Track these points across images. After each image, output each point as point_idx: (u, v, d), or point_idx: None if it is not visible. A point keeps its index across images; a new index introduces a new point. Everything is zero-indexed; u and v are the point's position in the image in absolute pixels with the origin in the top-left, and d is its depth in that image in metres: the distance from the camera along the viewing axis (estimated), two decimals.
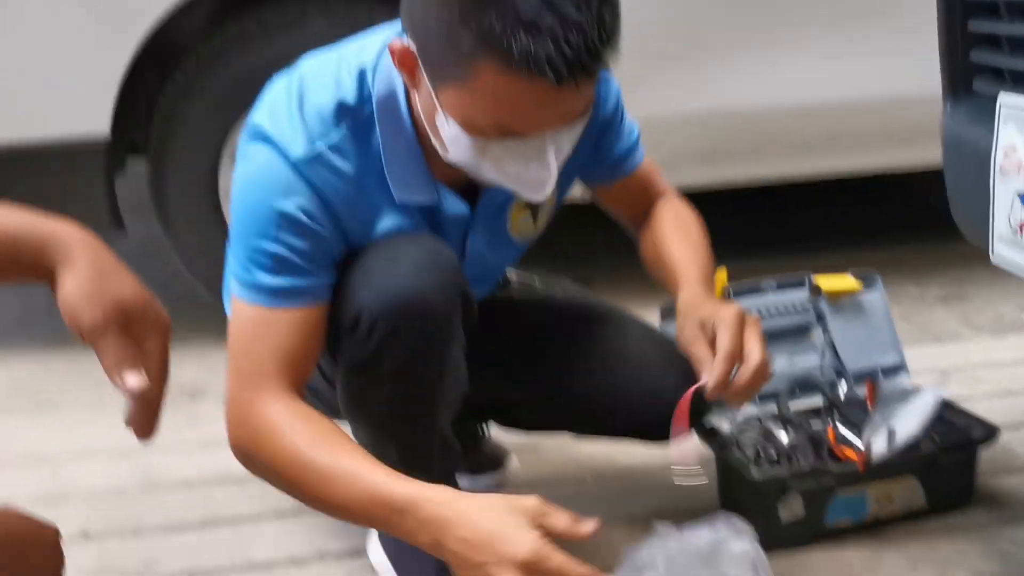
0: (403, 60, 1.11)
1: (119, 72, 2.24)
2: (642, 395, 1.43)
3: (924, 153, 2.21)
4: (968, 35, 1.19)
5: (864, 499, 1.48)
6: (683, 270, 1.36)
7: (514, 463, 1.74)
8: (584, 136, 1.22)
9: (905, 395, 1.55)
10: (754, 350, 1.19)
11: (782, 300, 1.74)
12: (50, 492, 1.74)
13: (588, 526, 1.04)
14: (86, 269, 0.94)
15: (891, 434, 1.46)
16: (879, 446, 1.45)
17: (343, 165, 1.17)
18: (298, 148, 1.15)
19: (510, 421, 1.61)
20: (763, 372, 1.20)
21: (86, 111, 2.26)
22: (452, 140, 1.11)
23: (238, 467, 1.80)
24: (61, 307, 0.93)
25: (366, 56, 1.20)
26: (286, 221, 1.14)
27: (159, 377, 0.97)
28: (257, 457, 1.14)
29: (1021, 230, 1.01)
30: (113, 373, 0.92)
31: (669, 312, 1.70)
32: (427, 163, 1.21)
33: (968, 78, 1.22)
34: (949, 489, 1.54)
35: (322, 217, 1.16)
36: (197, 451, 1.89)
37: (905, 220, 3.20)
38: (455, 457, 1.35)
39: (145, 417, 0.97)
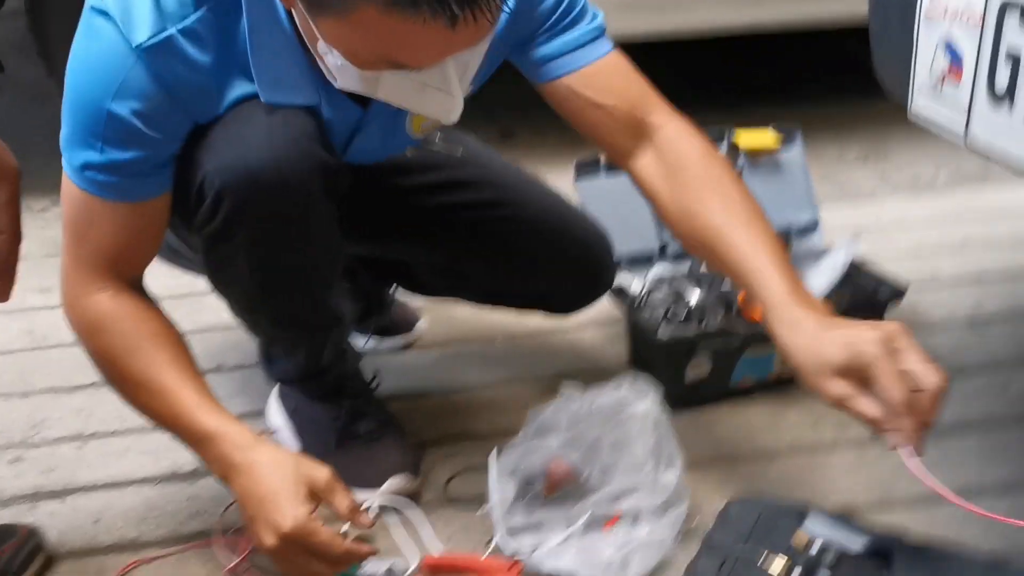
0: None
1: None
2: (536, 266, 1.39)
3: (848, 6, 2.14)
4: None
5: (770, 359, 1.47)
6: (766, 273, 1.05)
7: (423, 325, 1.70)
8: (506, 35, 1.11)
9: (817, 254, 1.54)
10: (927, 375, 0.93)
11: None
12: None
13: (366, 518, 1.07)
14: None
15: None
16: None
17: (197, 54, 1.01)
18: (144, 31, 0.98)
19: (412, 285, 1.56)
20: (942, 393, 0.95)
21: None
22: (338, 70, 0.99)
23: None
24: None
25: None
26: (118, 126, 1.01)
27: (7, 230, 0.88)
28: (84, 342, 1.13)
29: (942, 81, 0.96)
30: None
31: (583, 168, 1.65)
32: (309, 62, 1.06)
33: None
34: None
35: (161, 118, 1.02)
36: None
37: (828, 79, 3.15)
38: (339, 320, 1.29)
39: None
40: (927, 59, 0.98)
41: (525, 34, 1.18)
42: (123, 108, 1.00)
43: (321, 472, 1.05)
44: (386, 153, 1.30)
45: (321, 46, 0.97)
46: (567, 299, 1.47)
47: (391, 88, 0.99)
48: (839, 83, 3.05)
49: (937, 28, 0.96)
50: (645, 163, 1.19)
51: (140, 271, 1.15)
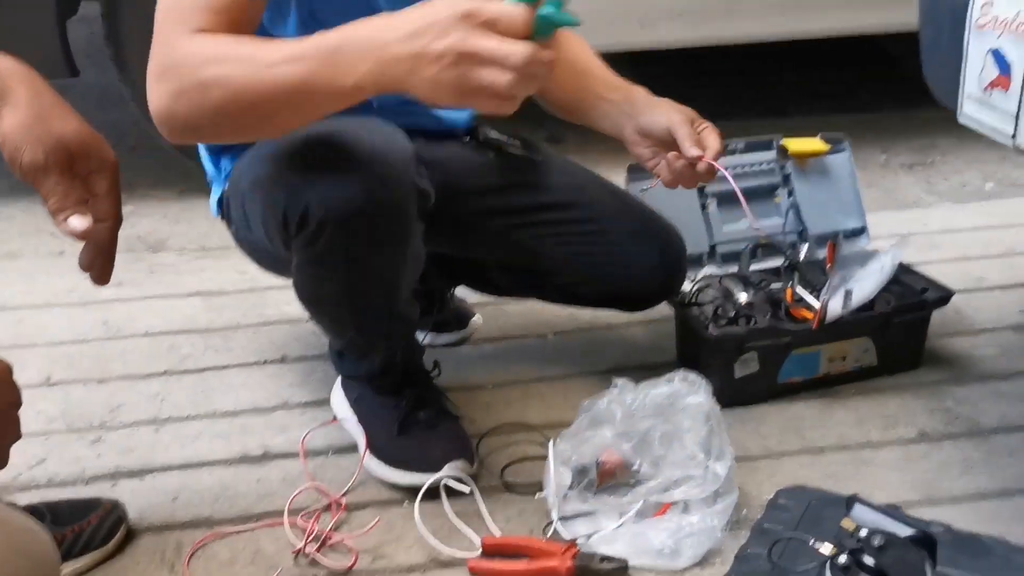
0: None
1: None
2: (616, 265, 1.44)
3: (897, 16, 2.17)
4: None
5: (817, 357, 1.51)
6: (623, 81, 1.42)
7: (478, 321, 1.76)
8: None
9: (864, 257, 1.57)
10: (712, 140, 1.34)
11: (749, 161, 1.73)
12: (13, 341, 1.74)
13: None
14: (27, 106, 0.90)
15: (847, 295, 1.49)
16: (835, 306, 1.47)
17: None
18: None
19: (482, 285, 1.62)
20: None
21: None
22: None
23: (201, 318, 1.82)
24: (1, 145, 0.90)
25: None
26: None
27: (110, 217, 0.95)
28: (184, 82, 1.02)
29: (991, 88, 1.00)
30: (56, 216, 0.90)
31: (635, 171, 1.69)
32: None
33: None
34: (901, 349, 1.58)
35: None
36: (159, 302, 1.88)
37: (876, 86, 3.17)
38: (413, 323, 1.36)
39: (100, 260, 0.95)
40: (976, 68, 1.02)
41: None
42: None
43: None
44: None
45: None
46: (644, 296, 1.52)
47: None
48: (885, 90, 3.07)
49: (987, 38, 1.00)
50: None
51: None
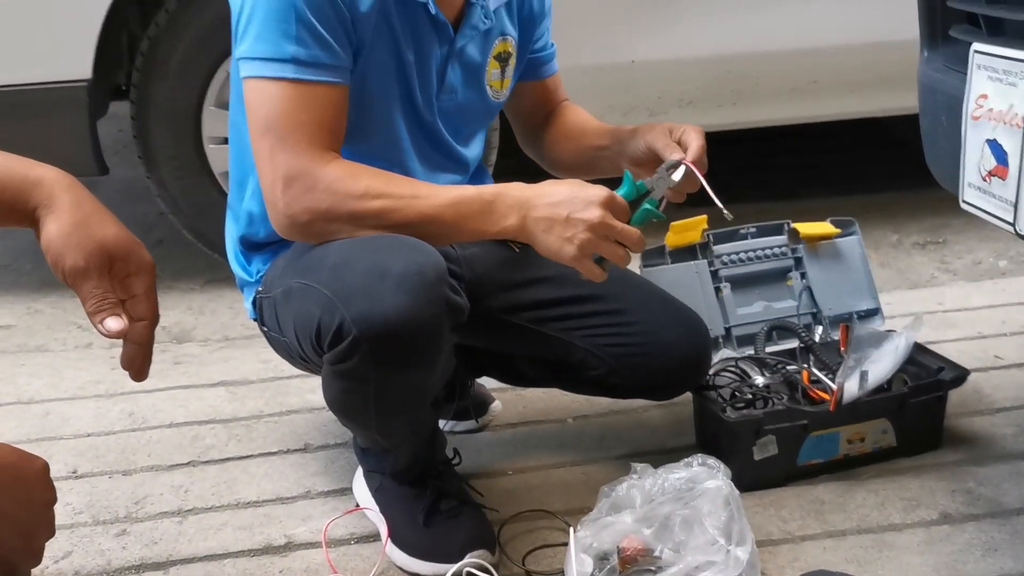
0: None
1: (100, 14, 2.22)
2: (646, 355, 1.46)
3: (904, 98, 2.22)
4: None
5: (836, 439, 1.52)
6: (609, 126, 1.52)
7: (497, 407, 1.78)
8: (527, 16, 1.45)
9: (878, 338, 1.59)
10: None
11: (761, 245, 1.76)
12: (40, 434, 1.77)
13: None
14: (69, 214, 0.95)
15: (863, 376, 1.50)
16: (851, 388, 1.49)
17: None
18: None
19: (509, 376, 1.65)
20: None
21: (67, 55, 2.25)
22: None
23: (224, 408, 1.85)
24: (45, 252, 0.94)
25: None
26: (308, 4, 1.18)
27: (147, 317, 0.99)
28: (335, 208, 1.20)
29: (989, 177, 1.03)
30: (94, 318, 0.94)
31: (649, 256, 1.73)
32: None
33: (945, 25, 1.23)
34: (919, 430, 1.58)
35: None
36: (184, 393, 1.92)
37: (885, 166, 3.22)
38: (438, 415, 1.39)
39: (138, 358, 0.99)
40: (975, 157, 1.06)
41: (537, 15, 1.48)
42: None
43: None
44: (466, 111, 1.42)
45: None
46: (673, 385, 1.54)
47: None
48: (895, 171, 3.11)
49: (983, 129, 1.04)
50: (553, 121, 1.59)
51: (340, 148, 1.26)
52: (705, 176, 1.33)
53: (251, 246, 1.42)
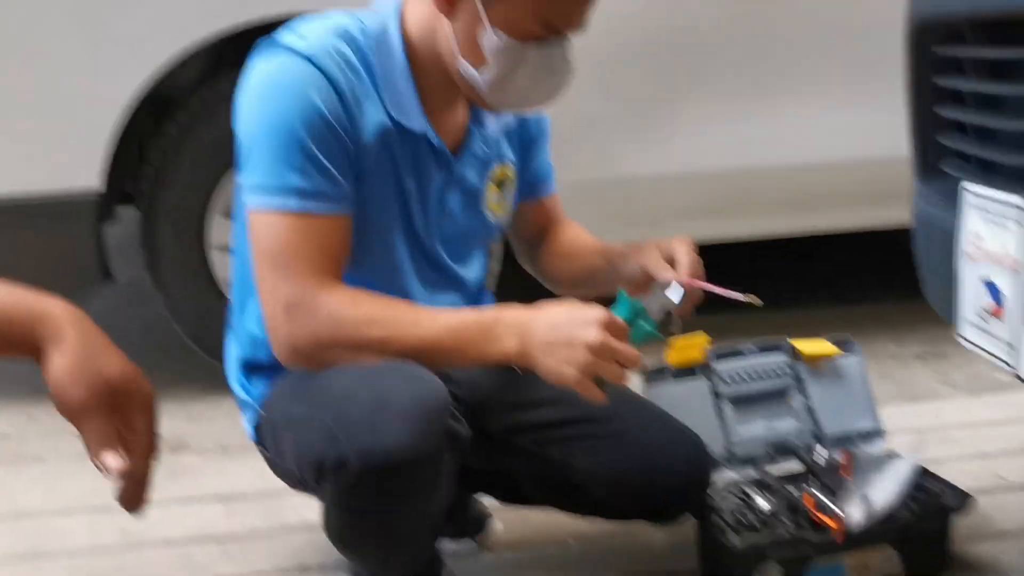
0: None
1: (112, 127, 2.27)
2: (649, 474, 1.45)
3: (901, 213, 2.26)
4: (937, 119, 1.23)
5: (841, 568, 1.49)
6: (611, 245, 1.54)
7: (499, 527, 1.75)
8: (526, 140, 1.50)
9: (881, 462, 1.57)
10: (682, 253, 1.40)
11: (761, 363, 1.77)
12: (32, 548, 1.74)
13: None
14: (73, 348, 0.95)
15: (868, 502, 1.48)
16: (856, 515, 1.47)
17: (350, 56, 1.26)
18: (309, 46, 1.24)
19: (510, 496, 1.62)
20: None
21: (78, 165, 2.29)
22: (496, 51, 1.23)
23: (220, 524, 1.82)
24: (48, 386, 0.95)
25: (351, 17, 1.31)
26: (308, 114, 1.21)
27: (146, 453, 0.98)
28: (336, 336, 1.21)
29: (986, 316, 1.04)
30: (94, 454, 0.94)
31: (653, 375, 1.73)
32: (419, 96, 1.30)
33: (937, 159, 1.25)
34: (925, 557, 1.55)
35: (336, 108, 1.23)
36: (178, 508, 1.89)
37: (884, 276, 3.24)
38: (437, 536, 1.37)
39: (133, 493, 0.98)
40: (971, 294, 1.07)
41: (533, 138, 1.52)
42: (311, 93, 1.21)
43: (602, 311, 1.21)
44: (466, 235, 1.44)
45: (484, 35, 1.23)
46: (674, 507, 1.52)
47: (531, 61, 1.24)
48: (893, 279, 3.13)
49: (978, 268, 1.05)
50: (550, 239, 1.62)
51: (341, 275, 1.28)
52: (706, 280, 1.35)
53: (252, 368, 1.42)
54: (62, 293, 0.98)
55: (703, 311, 1.49)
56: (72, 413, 0.94)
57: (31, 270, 2.41)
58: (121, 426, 0.97)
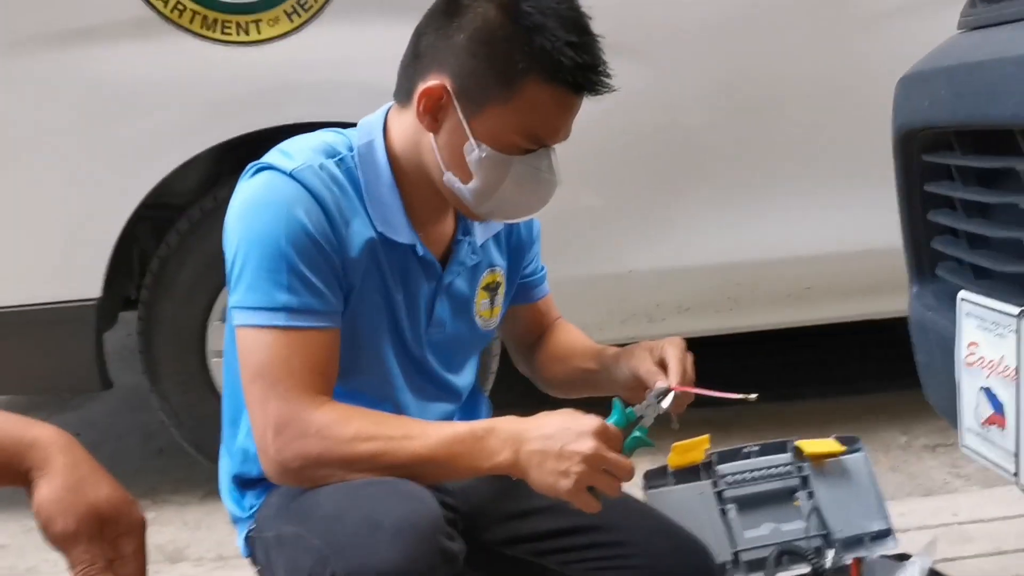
0: (431, 101, 1.24)
1: (114, 235, 2.30)
2: None
3: (900, 303, 2.25)
4: (929, 225, 1.23)
5: None
6: (604, 348, 1.52)
7: None
8: (516, 245, 1.48)
9: (892, 568, 1.54)
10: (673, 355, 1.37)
11: (766, 464, 1.74)
12: None
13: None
14: (62, 476, 0.94)
15: None
16: None
17: (336, 172, 1.27)
18: (294, 164, 1.24)
19: None
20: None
21: (79, 274, 2.31)
22: (480, 164, 1.24)
23: None
24: (36, 515, 0.93)
25: (338, 134, 1.33)
26: (294, 230, 1.20)
27: None
28: (327, 454, 1.19)
29: (987, 424, 1.03)
30: None
31: (652, 477, 1.70)
32: (406, 212, 1.30)
33: (931, 264, 1.25)
34: None
35: (322, 224, 1.23)
36: None
37: (887, 365, 3.21)
38: None
39: None
40: (971, 403, 1.06)
41: (525, 244, 1.50)
42: (298, 212, 1.21)
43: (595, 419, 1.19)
44: (457, 344, 1.42)
45: (468, 147, 1.24)
46: None
47: (516, 173, 1.25)
48: (897, 368, 3.10)
49: (976, 376, 1.04)
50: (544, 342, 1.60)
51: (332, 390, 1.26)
52: (697, 385, 1.33)
53: (244, 483, 1.40)
54: (61, 399, 0.97)
55: (704, 409, 1.47)
56: (59, 542, 0.92)
57: (31, 376, 2.42)
58: (111, 552, 0.96)
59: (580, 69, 1.21)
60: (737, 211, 2.54)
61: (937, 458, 2.55)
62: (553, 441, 1.18)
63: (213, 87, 2.31)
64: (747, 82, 2.50)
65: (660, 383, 1.32)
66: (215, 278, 2.36)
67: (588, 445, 1.16)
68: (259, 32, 2.28)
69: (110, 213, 2.30)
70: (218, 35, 2.27)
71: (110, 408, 3.15)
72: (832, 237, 2.56)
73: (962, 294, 1.06)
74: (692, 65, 2.47)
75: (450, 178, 1.27)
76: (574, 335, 1.60)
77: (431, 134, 1.27)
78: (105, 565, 0.94)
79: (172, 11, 2.24)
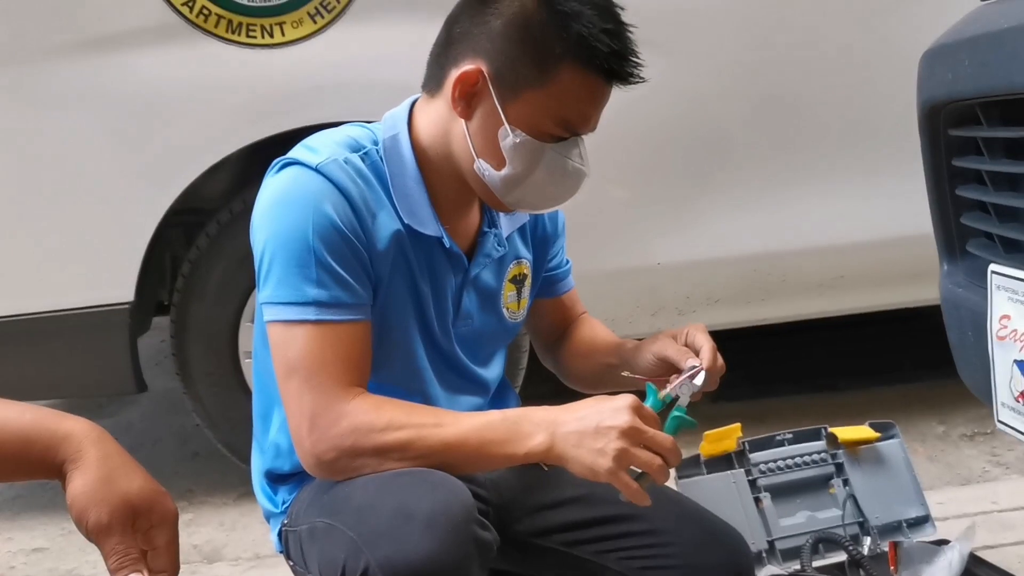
0: (467, 86, 1.25)
1: (146, 239, 2.33)
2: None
3: (932, 290, 2.22)
4: (958, 200, 1.21)
5: None
6: (624, 341, 1.51)
7: None
8: (542, 238, 1.49)
9: (930, 552, 1.51)
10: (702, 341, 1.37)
11: (799, 452, 1.72)
12: None
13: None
14: (95, 468, 0.95)
15: None
16: None
17: (361, 166, 1.27)
18: (319, 158, 1.25)
19: None
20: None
21: (112, 279, 2.34)
22: (514, 149, 1.25)
23: None
24: (69, 507, 0.94)
25: (362, 128, 1.34)
26: (321, 224, 1.21)
27: (167, 570, 0.97)
28: (360, 443, 1.19)
29: (1022, 398, 1.01)
30: (116, 573, 0.93)
31: (684, 466, 1.69)
32: (432, 204, 1.30)
33: (961, 240, 1.24)
34: None
35: (349, 217, 1.23)
36: None
37: (924, 353, 3.17)
38: None
39: None
40: (1005, 377, 1.04)
41: (551, 236, 1.51)
42: (325, 206, 1.21)
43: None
44: (484, 336, 1.42)
45: (502, 132, 1.24)
46: None
47: (548, 161, 1.26)
48: (933, 357, 3.06)
49: (1009, 349, 1.02)
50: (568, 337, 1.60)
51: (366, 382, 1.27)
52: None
53: (277, 478, 1.41)
54: (97, 404, 0.98)
55: (737, 403, 1.46)
56: (92, 533, 0.94)
57: (66, 381, 2.46)
58: (144, 544, 0.97)
59: (615, 56, 1.22)
60: (767, 200, 2.51)
61: (976, 447, 2.51)
62: (588, 420, 1.17)
63: (239, 90, 2.34)
64: (774, 71, 2.48)
65: (691, 361, 1.31)
66: (245, 280, 2.38)
67: (624, 419, 1.15)
68: (283, 34, 2.30)
69: (140, 218, 2.32)
70: (243, 38, 2.29)
71: (146, 413, 3.19)
72: (865, 225, 2.52)
73: (992, 267, 1.04)
74: (719, 56, 2.46)
75: (481, 165, 1.27)
76: (597, 330, 1.59)
77: (463, 120, 1.27)
78: (139, 556, 0.95)
79: (197, 16, 2.26)
